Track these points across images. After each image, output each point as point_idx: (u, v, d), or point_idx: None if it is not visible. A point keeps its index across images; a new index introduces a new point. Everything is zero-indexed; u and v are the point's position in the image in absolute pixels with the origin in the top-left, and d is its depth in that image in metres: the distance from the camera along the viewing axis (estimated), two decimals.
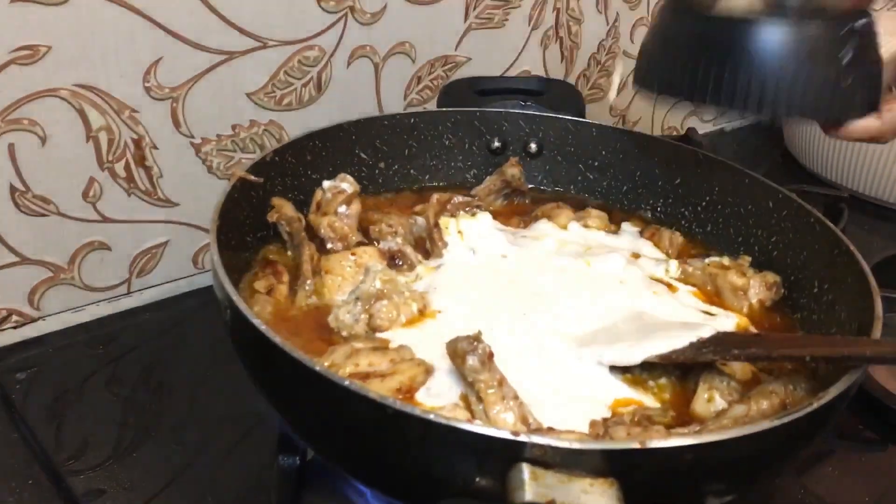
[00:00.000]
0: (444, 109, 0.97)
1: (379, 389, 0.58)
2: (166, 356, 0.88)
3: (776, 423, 0.51)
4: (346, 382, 0.50)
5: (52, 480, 0.71)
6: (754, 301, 0.79)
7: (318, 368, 0.51)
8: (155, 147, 0.88)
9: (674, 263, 0.83)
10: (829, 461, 0.79)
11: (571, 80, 1.24)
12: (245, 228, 0.76)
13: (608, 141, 0.96)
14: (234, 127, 0.93)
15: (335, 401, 0.52)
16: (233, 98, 0.91)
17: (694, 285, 0.81)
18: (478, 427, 0.49)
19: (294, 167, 0.82)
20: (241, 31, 0.88)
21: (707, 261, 0.82)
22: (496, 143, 0.97)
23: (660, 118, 1.42)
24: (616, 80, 1.30)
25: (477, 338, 0.59)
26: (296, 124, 0.97)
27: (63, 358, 0.85)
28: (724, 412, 0.61)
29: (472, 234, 0.82)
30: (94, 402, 0.80)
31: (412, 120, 0.92)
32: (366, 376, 0.60)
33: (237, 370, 0.82)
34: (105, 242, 0.89)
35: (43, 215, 0.84)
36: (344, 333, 0.69)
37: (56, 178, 0.83)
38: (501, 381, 0.58)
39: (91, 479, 0.71)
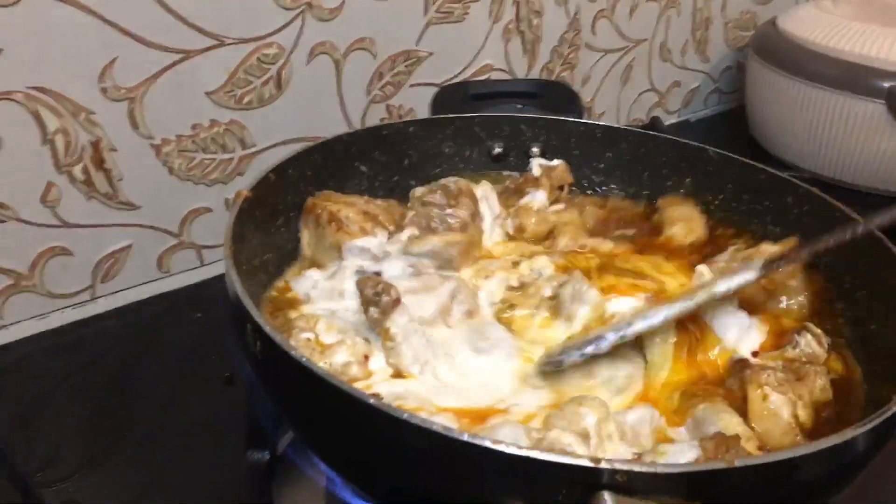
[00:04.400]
0: (443, 116, 0.94)
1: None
2: (135, 363, 0.87)
3: (868, 426, 0.50)
4: (406, 416, 0.48)
5: (21, 492, 0.70)
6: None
7: (372, 402, 0.49)
8: (113, 149, 0.87)
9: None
10: None
11: (534, 73, 1.25)
12: (253, 248, 0.73)
13: (613, 142, 0.93)
14: (194, 127, 0.92)
15: (389, 433, 0.49)
16: (192, 97, 0.90)
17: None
18: (552, 456, 0.46)
19: (295, 183, 0.79)
20: (197, 28, 0.88)
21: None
22: (497, 149, 0.94)
23: (625, 110, 1.43)
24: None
25: (383, 289, 0.59)
26: (257, 123, 0.96)
27: (29, 366, 0.84)
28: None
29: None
30: (62, 410, 0.79)
31: (411, 129, 0.89)
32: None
33: (207, 375, 0.81)
34: (66, 248, 0.88)
35: (1, 221, 0.82)
36: None
37: (13, 183, 0.82)
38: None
39: (62, 491, 0.69)
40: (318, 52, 0.99)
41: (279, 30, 0.94)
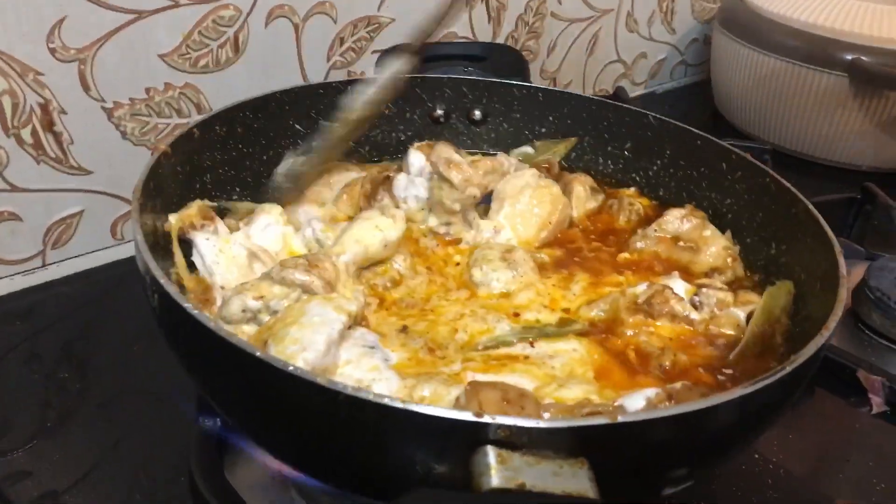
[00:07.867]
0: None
1: None
2: (87, 331, 0.85)
3: (750, 389, 0.49)
4: (291, 369, 0.47)
5: None
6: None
7: (259, 355, 0.48)
8: (63, 112, 0.85)
9: None
10: None
11: (500, 41, 1.23)
12: (172, 204, 0.71)
13: (555, 106, 0.93)
14: (147, 90, 0.90)
15: (279, 388, 0.49)
16: (145, 60, 0.88)
17: None
18: (437, 410, 0.45)
19: (224, 139, 0.78)
20: None
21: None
22: (438, 111, 0.93)
23: (591, 80, 1.42)
24: None
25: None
26: (214, 87, 0.94)
27: None
28: None
29: None
30: (13, 380, 0.77)
31: (348, 87, 0.86)
32: None
33: (161, 343, 0.80)
34: (15, 213, 0.86)
35: None
36: None
37: None
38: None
39: (14, 462, 0.68)
40: (276, 15, 0.97)
41: None
